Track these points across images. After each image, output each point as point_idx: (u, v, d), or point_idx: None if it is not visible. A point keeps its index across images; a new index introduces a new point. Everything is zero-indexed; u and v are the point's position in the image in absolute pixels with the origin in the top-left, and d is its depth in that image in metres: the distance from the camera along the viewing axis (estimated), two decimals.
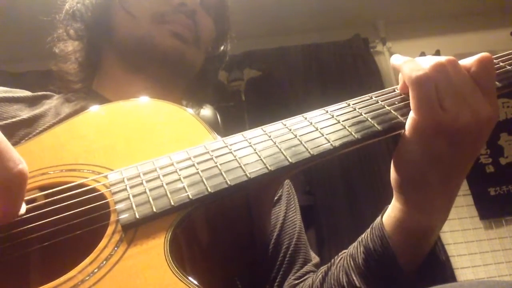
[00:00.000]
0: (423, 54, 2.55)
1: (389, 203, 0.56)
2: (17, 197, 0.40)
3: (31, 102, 0.75)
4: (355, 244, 0.59)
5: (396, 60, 0.53)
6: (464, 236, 2.39)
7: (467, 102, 0.47)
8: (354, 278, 0.56)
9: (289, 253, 0.73)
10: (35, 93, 0.78)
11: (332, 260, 0.63)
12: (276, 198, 0.79)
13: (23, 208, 0.44)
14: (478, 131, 0.47)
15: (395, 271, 0.53)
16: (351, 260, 0.57)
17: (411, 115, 0.48)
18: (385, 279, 0.53)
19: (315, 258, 0.75)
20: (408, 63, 0.50)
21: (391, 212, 0.54)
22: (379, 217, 0.56)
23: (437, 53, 2.58)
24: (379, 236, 0.54)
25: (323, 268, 0.65)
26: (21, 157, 0.40)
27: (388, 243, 0.53)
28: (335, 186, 2.39)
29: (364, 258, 0.55)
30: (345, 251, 0.62)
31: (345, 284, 0.57)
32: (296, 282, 0.69)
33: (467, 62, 0.50)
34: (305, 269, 0.72)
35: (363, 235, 0.58)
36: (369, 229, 0.57)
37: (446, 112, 0.46)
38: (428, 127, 0.47)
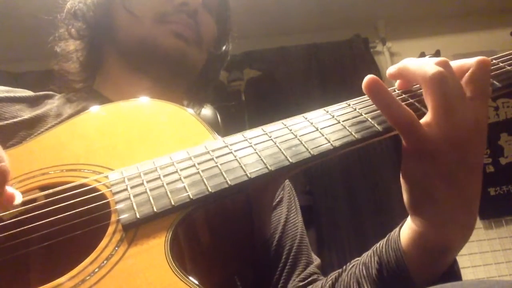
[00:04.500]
0: (423, 54, 2.55)
1: (388, 204, 0.55)
2: None
3: (32, 102, 0.75)
4: (369, 252, 0.58)
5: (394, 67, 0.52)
6: None
7: (459, 110, 0.45)
8: (366, 286, 0.55)
9: (292, 254, 0.72)
10: (37, 93, 0.78)
11: (344, 267, 0.62)
12: (277, 200, 0.79)
13: (19, 198, 0.43)
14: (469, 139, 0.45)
15: (407, 286, 0.51)
16: (363, 268, 0.56)
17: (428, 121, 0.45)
18: None
19: (316, 260, 0.75)
20: (414, 60, 0.49)
21: (407, 229, 0.52)
22: (398, 228, 0.55)
23: (437, 53, 2.58)
24: (394, 249, 0.53)
25: (333, 274, 0.64)
26: (4, 156, 0.40)
27: (402, 257, 0.51)
28: (335, 186, 2.39)
29: (377, 269, 0.54)
30: (357, 258, 0.61)
31: None
32: (301, 284, 0.69)
33: (465, 62, 0.49)
34: (308, 270, 0.71)
35: (378, 245, 0.57)
36: (385, 239, 0.56)
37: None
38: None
